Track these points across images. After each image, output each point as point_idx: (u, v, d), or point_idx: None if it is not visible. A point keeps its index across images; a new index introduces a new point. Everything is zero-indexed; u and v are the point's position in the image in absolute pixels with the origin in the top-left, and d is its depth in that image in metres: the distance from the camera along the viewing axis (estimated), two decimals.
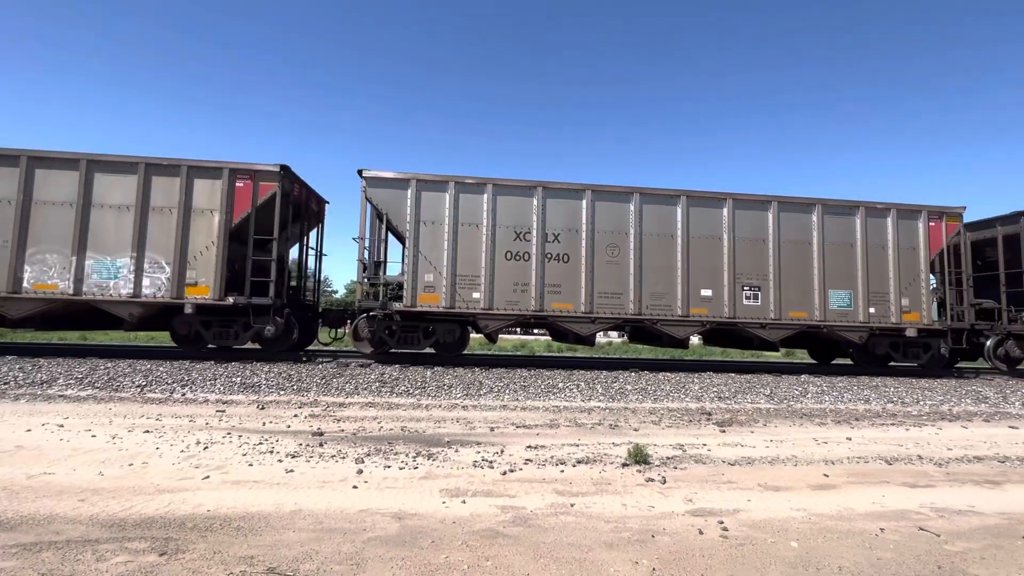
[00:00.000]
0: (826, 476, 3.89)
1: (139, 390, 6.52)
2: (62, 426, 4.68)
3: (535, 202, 9.06)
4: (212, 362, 8.16)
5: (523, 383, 7.49)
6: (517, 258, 8.98)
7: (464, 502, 3.08)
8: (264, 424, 5.08)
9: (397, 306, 8.76)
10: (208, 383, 6.86)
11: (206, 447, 4.12)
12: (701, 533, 2.69)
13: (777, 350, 10.30)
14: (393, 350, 9.35)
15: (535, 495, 3.26)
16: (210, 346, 9.12)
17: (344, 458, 3.94)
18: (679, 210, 9.35)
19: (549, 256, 9.02)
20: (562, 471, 3.80)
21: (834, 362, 11.97)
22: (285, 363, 8.43)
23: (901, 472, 4.09)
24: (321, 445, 4.30)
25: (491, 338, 10.04)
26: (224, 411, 5.62)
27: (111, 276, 8.30)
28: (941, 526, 2.93)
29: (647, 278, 9.18)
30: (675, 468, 3.95)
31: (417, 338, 9.01)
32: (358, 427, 5.06)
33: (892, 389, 8.29)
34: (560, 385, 7.48)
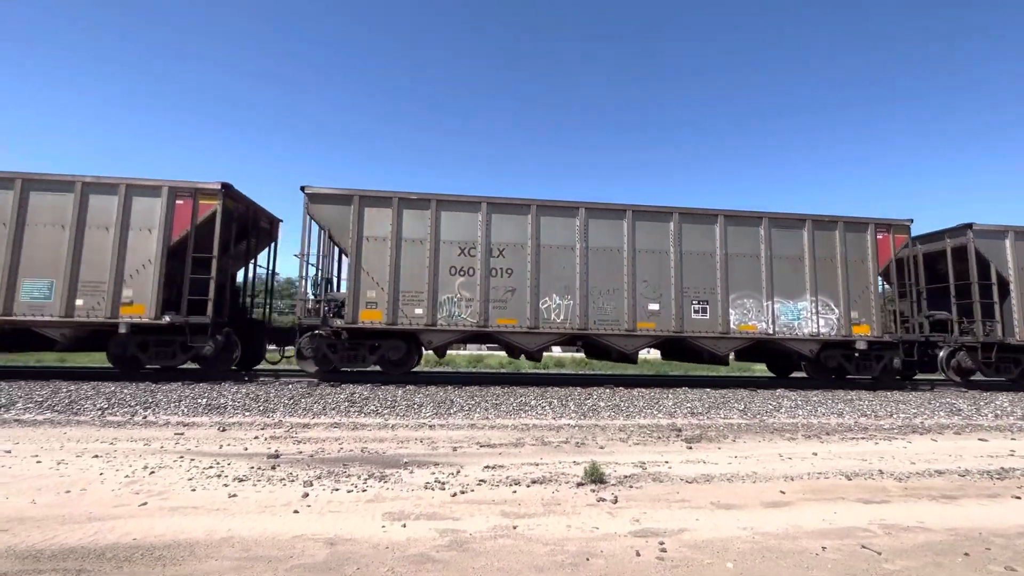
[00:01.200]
0: (782, 493, 3.85)
1: (100, 413, 6.37)
2: (9, 452, 4.55)
3: None
4: (179, 383, 8.03)
5: (495, 401, 7.42)
6: None
7: (404, 526, 3.01)
8: (221, 447, 4.97)
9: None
10: (172, 405, 6.73)
11: (153, 472, 4.02)
12: (638, 555, 2.64)
13: None
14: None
15: (480, 517, 3.19)
16: (850, 377, 10.52)
17: (293, 481, 3.85)
18: None
19: None
20: (514, 492, 3.74)
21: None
22: (254, 383, 8.30)
23: (859, 487, 4.06)
24: (273, 468, 4.20)
25: None
26: (183, 434, 5.50)
27: (794, 318, 9.74)
28: (885, 543, 2.90)
29: None
30: (630, 487, 3.90)
31: (1010, 367, 10.65)
32: (317, 448, 4.96)
33: (866, 402, 8.30)
34: (532, 403, 7.42)
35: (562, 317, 9.16)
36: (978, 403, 8.53)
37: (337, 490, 3.66)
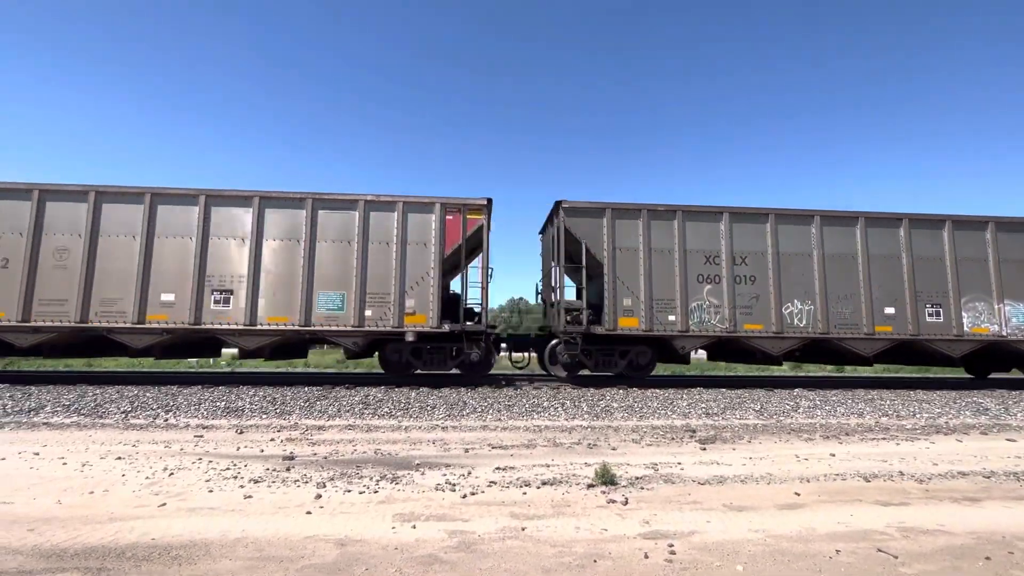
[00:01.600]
0: (797, 494, 3.79)
1: (123, 416, 6.56)
2: (38, 454, 4.71)
3: None
4: (199, 387, 8.22)
5: (507, 403, 7.43)
6: None
7: (414, 527, 3.04)
8: (238, 449, 5.07)
9: None
10: (192, 408, 6.89)
11: (172, 473, 4.12)
12: (646, 557, 2.62)
13: None
14: None
15: (489, 519, 3.20)
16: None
17: (307, 483, 3.92)
18: None
19: None
20: (524, 493, 3.74)
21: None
22: (271, 387, 8.45)
23: (878, 489, 3.97)
24: (288, 470, 4.28)
25: None
26: (202, 436, 5.63)
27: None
28: (902, 547, 2.83)
29: None
30: (642, 488, 3.87)
31: None
32: (331, 450, 5.03)
33: (888, 402, 8.10)
34: (545, 404, 7.42)
35: (804, 322, 9.53)
36: (1006, 402, 8.26)
37: (349, 491, 3.71)
